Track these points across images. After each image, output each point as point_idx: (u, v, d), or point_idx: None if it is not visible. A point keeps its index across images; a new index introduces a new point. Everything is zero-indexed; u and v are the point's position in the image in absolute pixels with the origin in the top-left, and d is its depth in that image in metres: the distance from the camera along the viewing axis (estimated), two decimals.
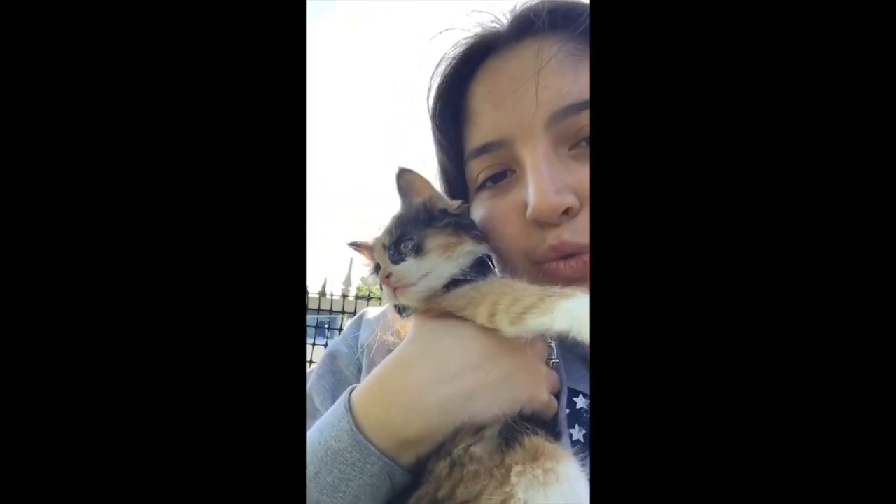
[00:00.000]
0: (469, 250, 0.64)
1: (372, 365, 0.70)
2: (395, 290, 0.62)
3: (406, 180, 0.68)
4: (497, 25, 0.71)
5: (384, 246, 0.65)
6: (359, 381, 0.73)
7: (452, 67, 0.74)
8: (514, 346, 0.56)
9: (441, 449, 0.53)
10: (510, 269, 0.66)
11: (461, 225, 0.66)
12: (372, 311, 0.85)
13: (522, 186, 0.66)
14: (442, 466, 0.52)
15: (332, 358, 0.78)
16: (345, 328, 0.85)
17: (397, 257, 0.64)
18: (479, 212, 0.71)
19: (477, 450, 0.51)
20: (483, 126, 0.70)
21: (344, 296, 6.11)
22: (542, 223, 0.63)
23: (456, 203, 0.68)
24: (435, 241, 0.63)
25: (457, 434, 0.53)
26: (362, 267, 0.74)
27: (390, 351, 0.64)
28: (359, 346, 0.78)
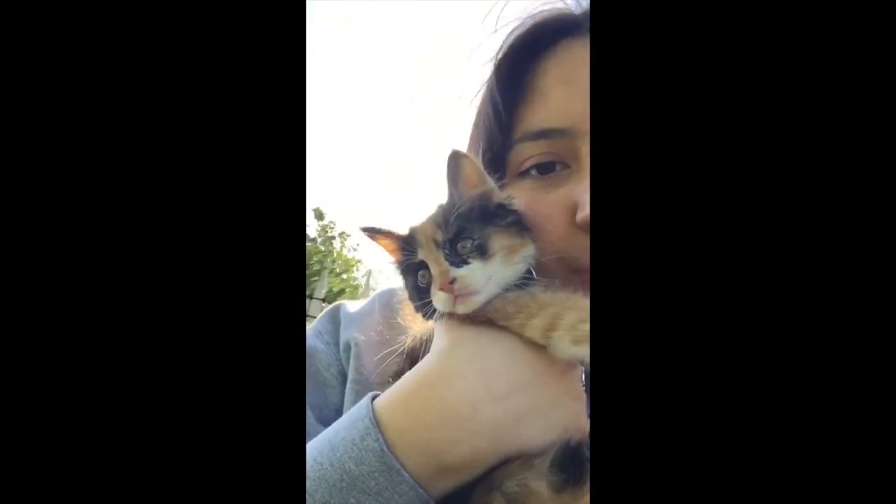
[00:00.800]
0: (528, 255, 0.58)
1: (363, 368, 0.63)
2: (456, 297, 0.54)
3: (459, 165, 0.59)
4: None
5: (437, 243, 0.57)
6: (343, 385, 0.66)
7: (532, 32, 0.64)
8: (561, 366, 0.51)
9: (485, 480, 0.48)
10: (541, 272, 0.60)
11: (523, 225, 0.59)
12: (351, 305, 0.75)
13: (576, 185, 0.60)
14: None
15: (308, 356, 0.68)
16: (317, 322, 0.75)
17: (457, 259, 0.55)
18: (517, 200, 0.63)
19: (539, 486, 0.47)
20: (549, 109, 0.63)
21: None
22: None
23: (509, 196, 0.61)
24: (499, 243, 0.56)
25: (505, 463, 0.48)
26: None
27: (411, 358, 0.57)
28: (341, 344, 0.69)
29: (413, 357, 0.59)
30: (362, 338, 0.65)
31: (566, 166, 0.63)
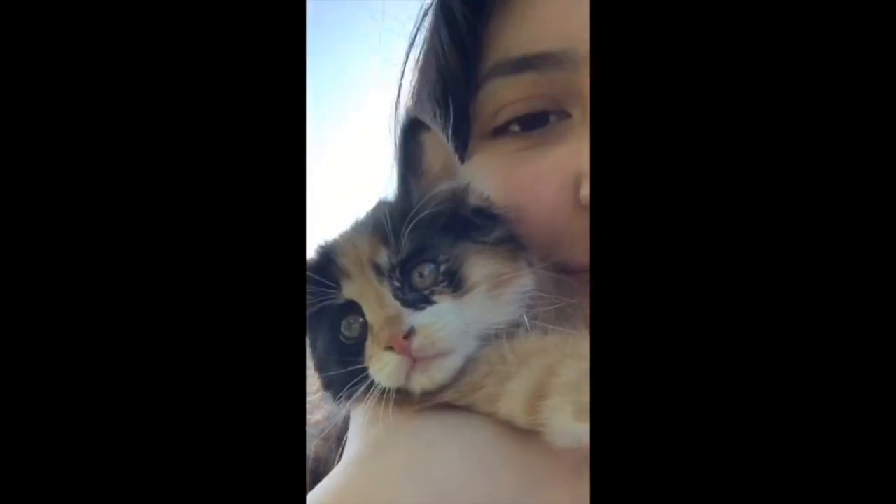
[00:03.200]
0: (524, 289, 0.36)
1: None
2: (415, 360, 0.31)
3: (418, 142, 0.36)
4: None
5: (378, 269, 0.34)
6: None
7: None
8: (563, 464, 0.30)
9: None
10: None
11: (516, 241, 0.37)
12: None
13: (580, 143, 0.39)
14: None
15: None
16: None
17: (414, 296, 0.33)
18: (489, 172, 0.41)
19: None
20: (532, 24, 0.41)
21: None
22: None
23: (486, 197, 0.39)
24: (481, 270, 0.34)
25: None
26: None
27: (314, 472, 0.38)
28: None
29: (314, 473, 0.38)
30: None
31: (564, 115, 0.41)
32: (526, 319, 0.35)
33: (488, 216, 0.37)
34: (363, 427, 0.33)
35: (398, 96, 0.49)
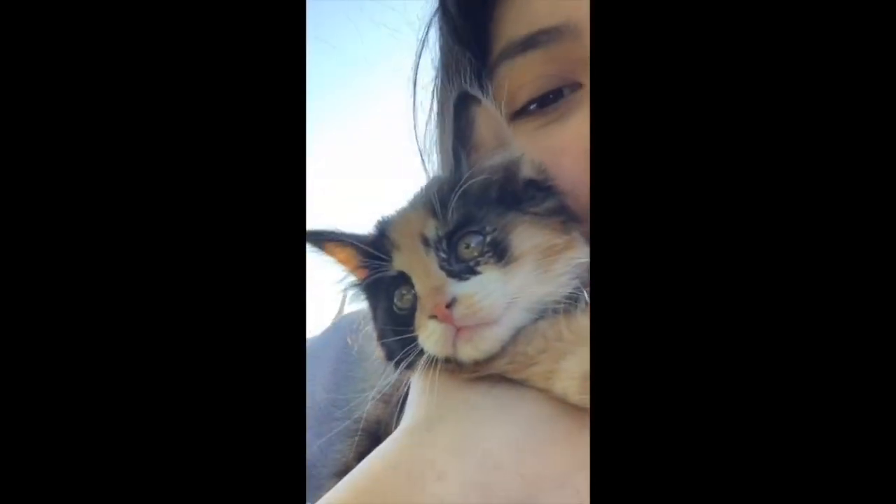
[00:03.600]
0: (578, 261, 0.35)
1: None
2: (459, 330, 0.32)
3: (469, 116, 0.37)
4: None
5: (426, 241, 0.35)
6: None
7: None
8: None
9: None
10: None
11: (569, 213, 0.37)
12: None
13: None
14: None
15: None
16: None
17: (459, 267, 0.33)
18: None
19: None
20: (530, 6, 0.42)
21: None
22: None
23: (543, 167, 0.38)
24: (529, 241, 0.34)
25: None
26: None
27: (371, 435, 0.39)
28: None
29: (375, 435, 0.38)
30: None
31: (576, 85, 0.42)
32: (585, 293, 0.34)
33: (540, 188, 0.36)
34: (419, 395, 0.35)
35: (413, 95, 0.52)
